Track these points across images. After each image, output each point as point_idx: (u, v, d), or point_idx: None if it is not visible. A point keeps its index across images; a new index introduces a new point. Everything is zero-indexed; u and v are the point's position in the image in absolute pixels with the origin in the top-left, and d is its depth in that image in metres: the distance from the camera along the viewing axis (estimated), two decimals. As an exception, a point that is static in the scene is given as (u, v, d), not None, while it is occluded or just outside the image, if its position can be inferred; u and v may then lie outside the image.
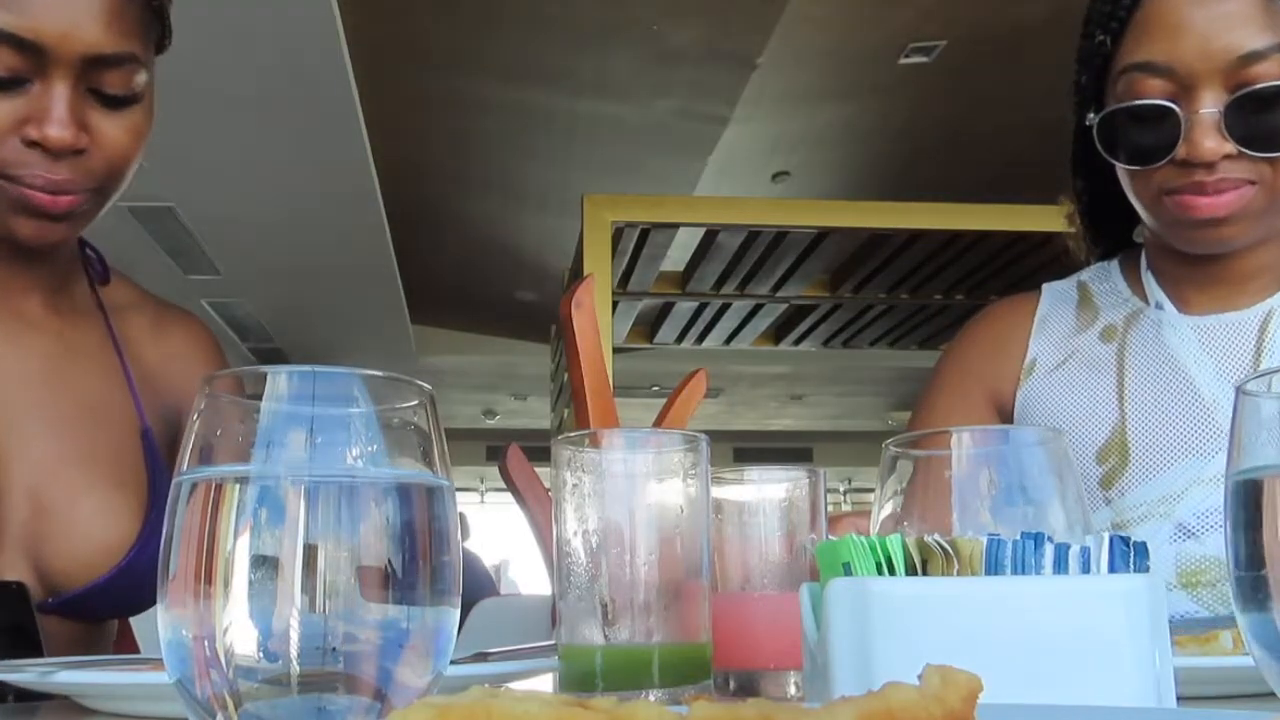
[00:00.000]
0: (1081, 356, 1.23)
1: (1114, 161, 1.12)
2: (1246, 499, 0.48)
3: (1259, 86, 1.04)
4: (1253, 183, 1.06)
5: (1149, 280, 1.22)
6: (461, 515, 6.43)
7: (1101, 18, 1.13)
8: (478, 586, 5.71)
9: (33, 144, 0.94)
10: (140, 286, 1.23)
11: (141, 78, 0.99)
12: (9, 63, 0.93)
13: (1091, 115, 1.13)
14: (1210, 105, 1.05)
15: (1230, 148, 1.04)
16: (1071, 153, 1.25)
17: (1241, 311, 1.16)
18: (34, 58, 0.93)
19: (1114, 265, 1.29)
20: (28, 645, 0.95)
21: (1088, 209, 1.29)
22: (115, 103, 0.98)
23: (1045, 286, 1.32)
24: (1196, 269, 1.17)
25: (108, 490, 1.04)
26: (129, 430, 1.09)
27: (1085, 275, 1.31)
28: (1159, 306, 1.20)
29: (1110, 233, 1.30)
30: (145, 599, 1.05)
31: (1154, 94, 1.07)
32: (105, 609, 1.07)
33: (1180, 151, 1.06)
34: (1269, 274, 1.17)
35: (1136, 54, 1.09)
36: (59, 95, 0.94)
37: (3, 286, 1.06)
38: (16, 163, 0.95)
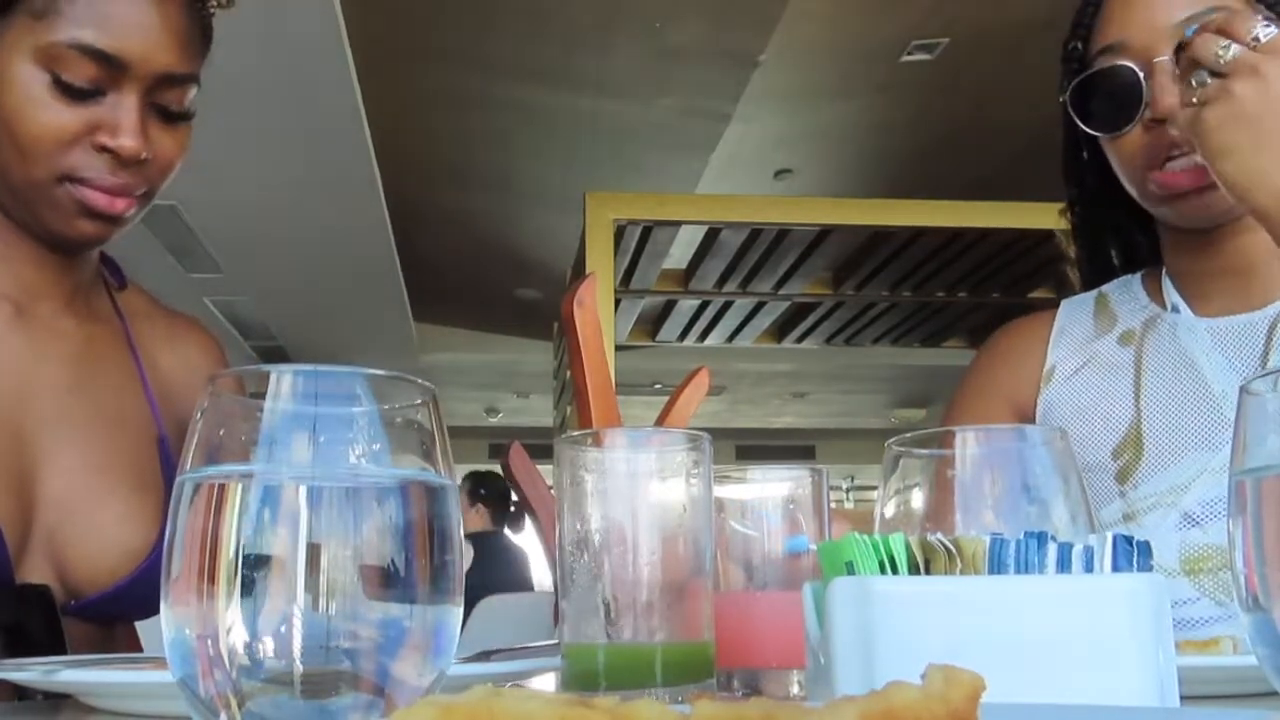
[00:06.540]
0: (1100, 361, 1.28)
1: (1090, 131, 1.21)
2: (1250, 498, 0.48)
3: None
4: None
5: (1167, 284, 1.26)
6: (515, 508, 6.18)
7: (1073, 27, 1.26)
8: (521, 580, 5.67)
9: (102, 150, 1.01)
10: (150, 294, 1.26)
11: (194, 95, 1.07)
12: (90, 74, 0.99)
13: (1061, 97, 1.23)
14: (1163, 57, 1.15)
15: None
16: (1063, 164, 1.34)
17: (1253, 313, 1.21)
18: (113, 72, 1.00)
19: (1136, 277, 1.34)
20: (53, 646, 0.97)
21: (1081, 221, 1.36)
22: (174, 118, 1.06)
23: (1064, 301, 1.37)
24: (1209, 261, 1.22)
25: (128, 496, 1.07)
26: (146, 437, 1.12)
27: (1106, 287, 1.35)
28: (1175, 309, 1.24)
29: (1102, 251, 1.37)
30: None
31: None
32: (124, 611, 1.09)
33: (1148, 113, 1.15)
34: (1277, 265, 1.20)
35: (1099, 43, 1.21)
36: (131, 107, 1.01)
37: (32, 291, 1.09)
38: (84, 166, 1.01)
